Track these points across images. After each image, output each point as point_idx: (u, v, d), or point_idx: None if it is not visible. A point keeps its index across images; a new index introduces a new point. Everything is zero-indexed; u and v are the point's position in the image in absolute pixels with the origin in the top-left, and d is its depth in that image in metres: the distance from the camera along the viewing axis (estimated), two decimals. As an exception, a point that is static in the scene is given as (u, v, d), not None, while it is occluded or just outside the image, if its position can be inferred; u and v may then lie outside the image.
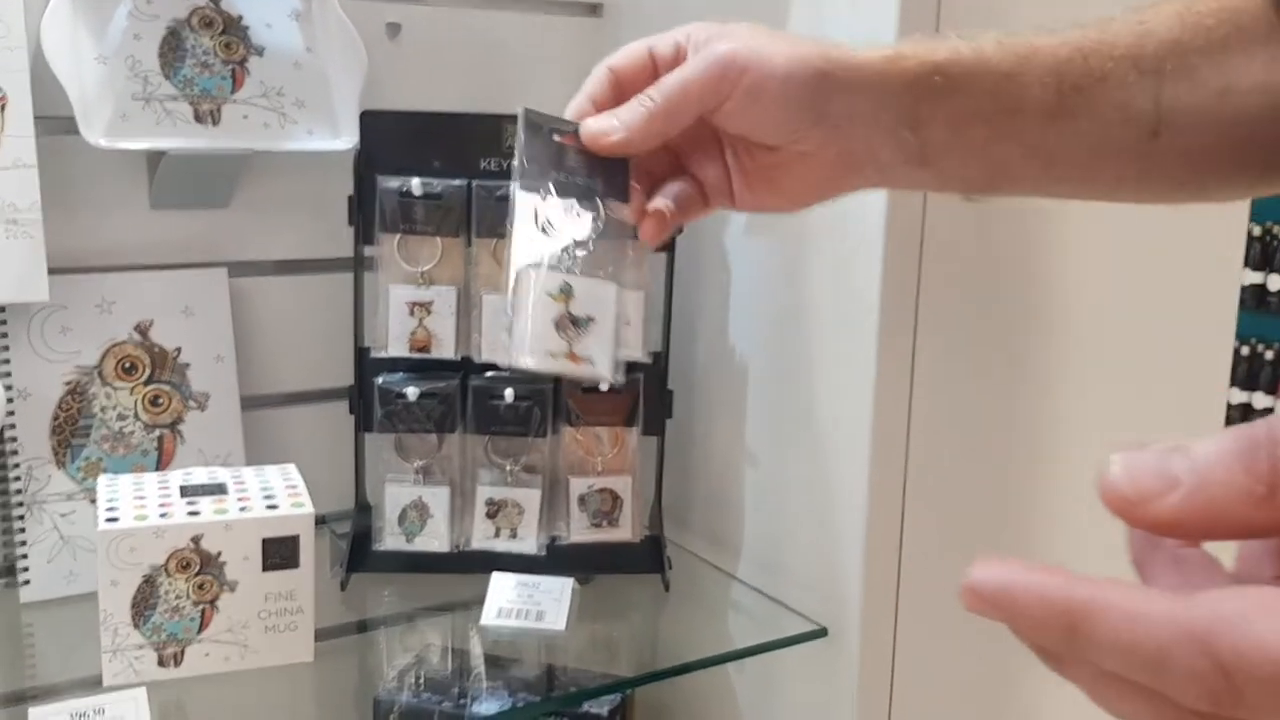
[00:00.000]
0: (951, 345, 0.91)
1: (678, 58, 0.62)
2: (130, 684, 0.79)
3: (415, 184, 0.94)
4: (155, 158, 0.95)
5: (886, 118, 0.58)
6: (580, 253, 0.63)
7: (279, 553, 0.82)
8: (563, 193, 0.63)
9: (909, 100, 0.57)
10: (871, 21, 0.84)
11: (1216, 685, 0.25)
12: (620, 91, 0.63)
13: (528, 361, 0.62)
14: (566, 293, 0.63)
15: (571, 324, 0.63)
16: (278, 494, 0.84)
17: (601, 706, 0.97)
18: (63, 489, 0.94)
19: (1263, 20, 0.56)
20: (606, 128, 0.62)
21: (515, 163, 0.63)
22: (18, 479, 0.92)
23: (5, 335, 0.92)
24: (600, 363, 0.64)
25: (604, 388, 0.96)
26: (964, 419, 0.94)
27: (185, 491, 0.84)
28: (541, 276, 0.62)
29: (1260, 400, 3.18)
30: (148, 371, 0.96)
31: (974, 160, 0.59)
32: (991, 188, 0.61)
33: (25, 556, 0.92)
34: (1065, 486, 1.00)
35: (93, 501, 0.94)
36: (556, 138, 0.63)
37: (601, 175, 0.63)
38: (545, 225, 0.62)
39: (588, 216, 0.63)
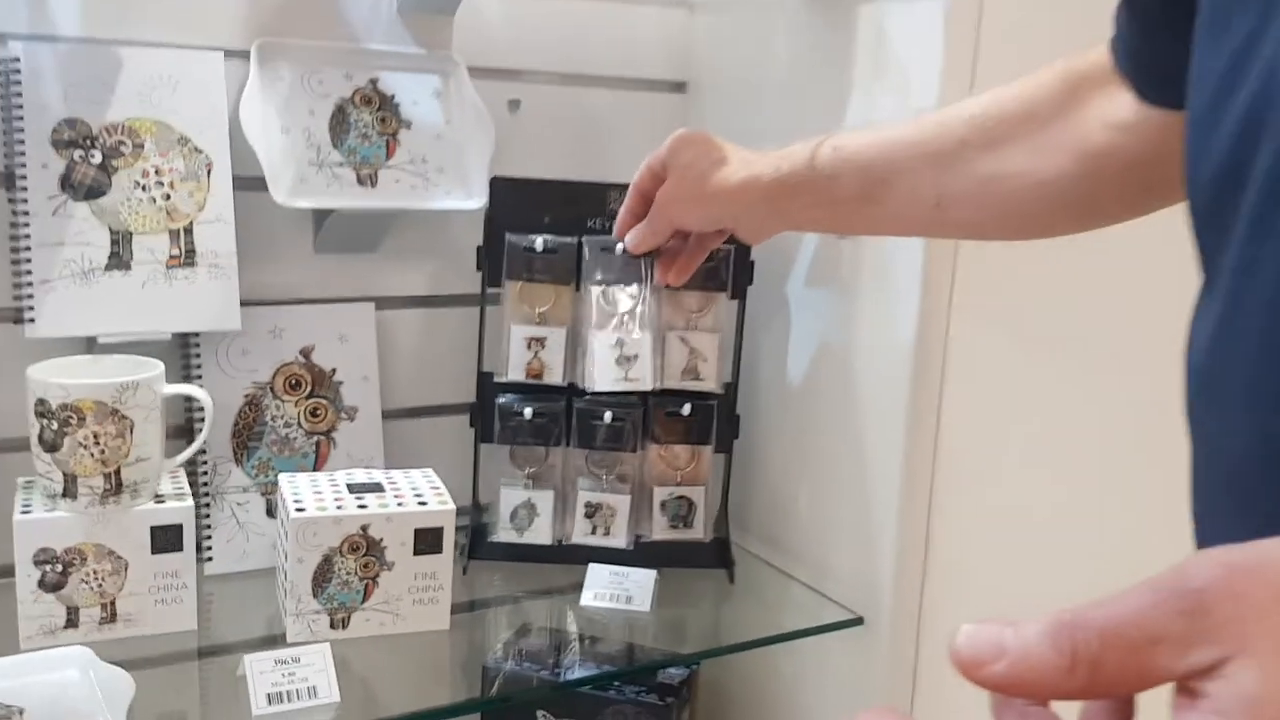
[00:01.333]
0: (977, 382, 1.10)
1: (663, 176, 0.97)
2: (308, 641, 0.99)
3: (537, 240, 1.14)
4: (322, 213, 1.15)
5: (765, 209, 0.91)
6: (629, 314, 1.12)
7: (426, 540, 1.02)
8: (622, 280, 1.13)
9: (768, 203, 0.91)
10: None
11: None
12: (646, 200, 1.00)
13: (600, 385, 1.12)
14: (620, 345, 1.12)
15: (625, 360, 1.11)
16: (425, 492, 1.05)
17: (672, 679, 1.17)
18: (240, 483, 1.14)
19: (1051, 104, 0.74)
20: (631, 243, 1.03)
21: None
22: (205, 473, 1.13)
23: (200, 356, 1.12)
24: (644, 381, 1.12)
25: (685, 411, 1.16)
26: (987, 447, 1.13)
27: (352, 489, 1.04)
28: (605, 334, 1.11)
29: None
30: (309, 388, 1.17)
31: (823, 226, 1.03)
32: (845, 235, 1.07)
33: (210, 538, 1.13)
34: (1078, 522, 1.18)
35: (264, 494, 1.14)
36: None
37: (644, 261, 1.10)
38: (610, 301, 1.13)
39: (633, 289, 1.13)
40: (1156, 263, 0.85)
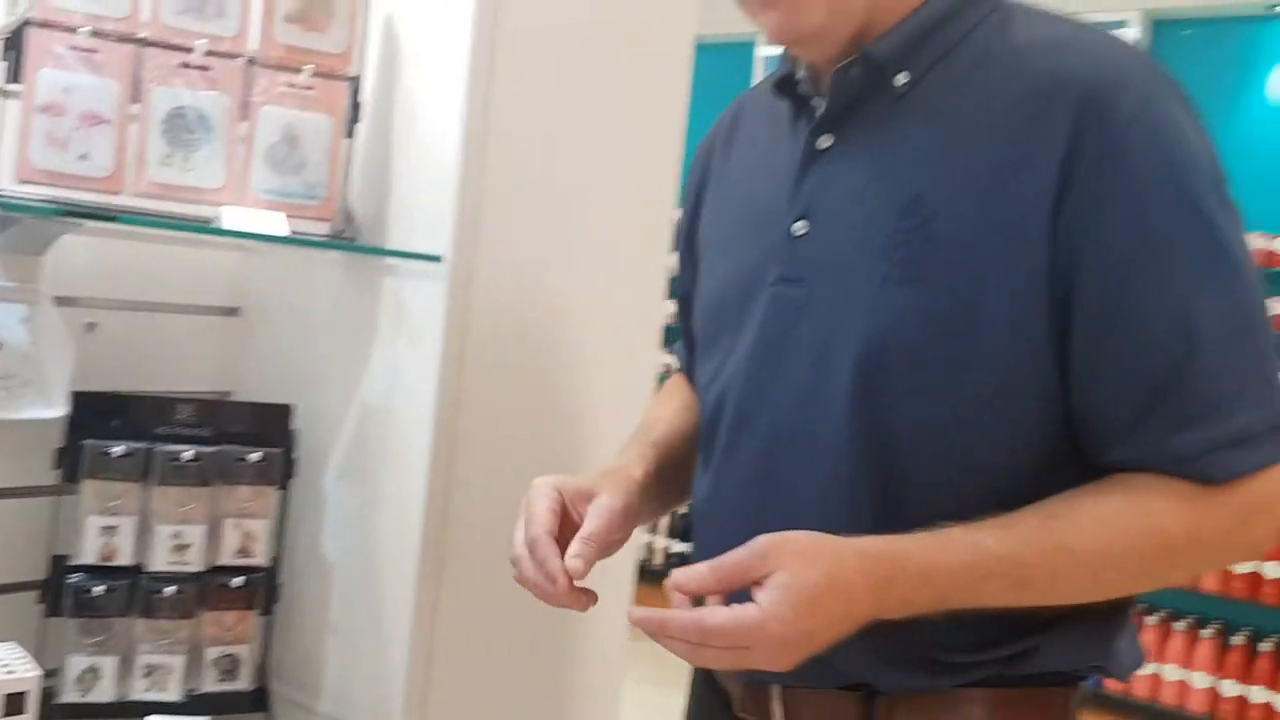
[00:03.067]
0: (476, 551, 1.47)
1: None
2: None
3: (113, 446, 1.38)
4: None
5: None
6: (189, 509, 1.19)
7: (14, 704, 1.22)
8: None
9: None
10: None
11: (740, 644, 0.83)
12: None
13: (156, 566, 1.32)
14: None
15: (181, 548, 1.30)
16: (11, 662, 1.24)
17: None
18: None
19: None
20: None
21: None
22: None
23: None
24: (196, 563, 1.39)
25: (235, 583, 1.44)
26: (482, 604, 1.49)
27: (-58, 663, 1.21)
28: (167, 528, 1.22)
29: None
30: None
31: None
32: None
33: None
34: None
35: None
36: None
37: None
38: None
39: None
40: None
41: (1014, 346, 0.89)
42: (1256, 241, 3.71)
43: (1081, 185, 0.88)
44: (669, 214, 1.65)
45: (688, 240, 1.18)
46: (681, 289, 1.22)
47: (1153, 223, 0.88)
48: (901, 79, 0.96)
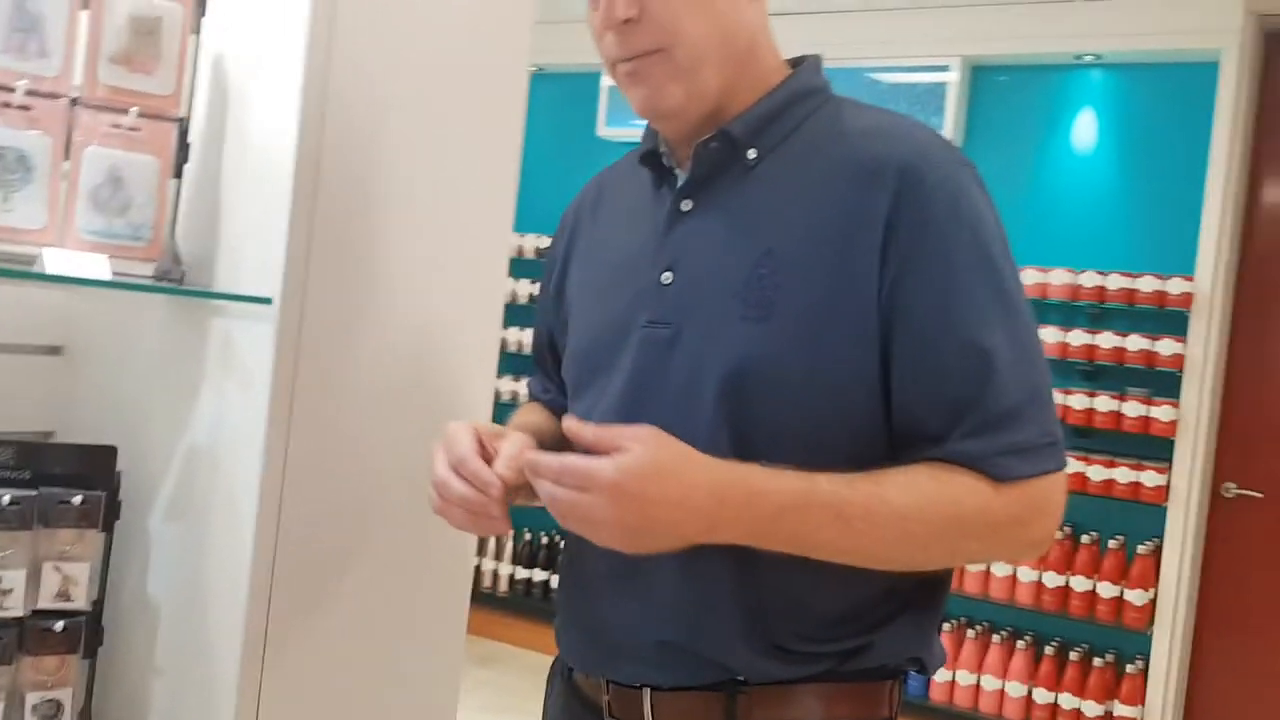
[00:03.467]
0: (305, 598, 1.48)
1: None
2: None
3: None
4: None
5: None
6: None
7: None
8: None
9: None
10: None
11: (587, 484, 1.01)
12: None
13: None
14: None
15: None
16: None
17: None
18: None
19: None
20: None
21: None
22: None
23: None
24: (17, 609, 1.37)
25: (56, 628, 1.42)
26: (314, 635, 1.50)
27: None
28: None
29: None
30: None
31: None
32: None
33: None
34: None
35: None
36: None
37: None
38: None
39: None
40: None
41: (849, 370, 1.11)
42: (1062, 276, 3.95)
43: (900, 241, 1.10)
44: (505, 245, 1.70)
45: (557, 291, 1.37)
46: (545, 327, 1.43)
47: (955, 272, 1.10)
48: (752, 154, 1.18)
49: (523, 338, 4.78)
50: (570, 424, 1.07)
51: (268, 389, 1.39)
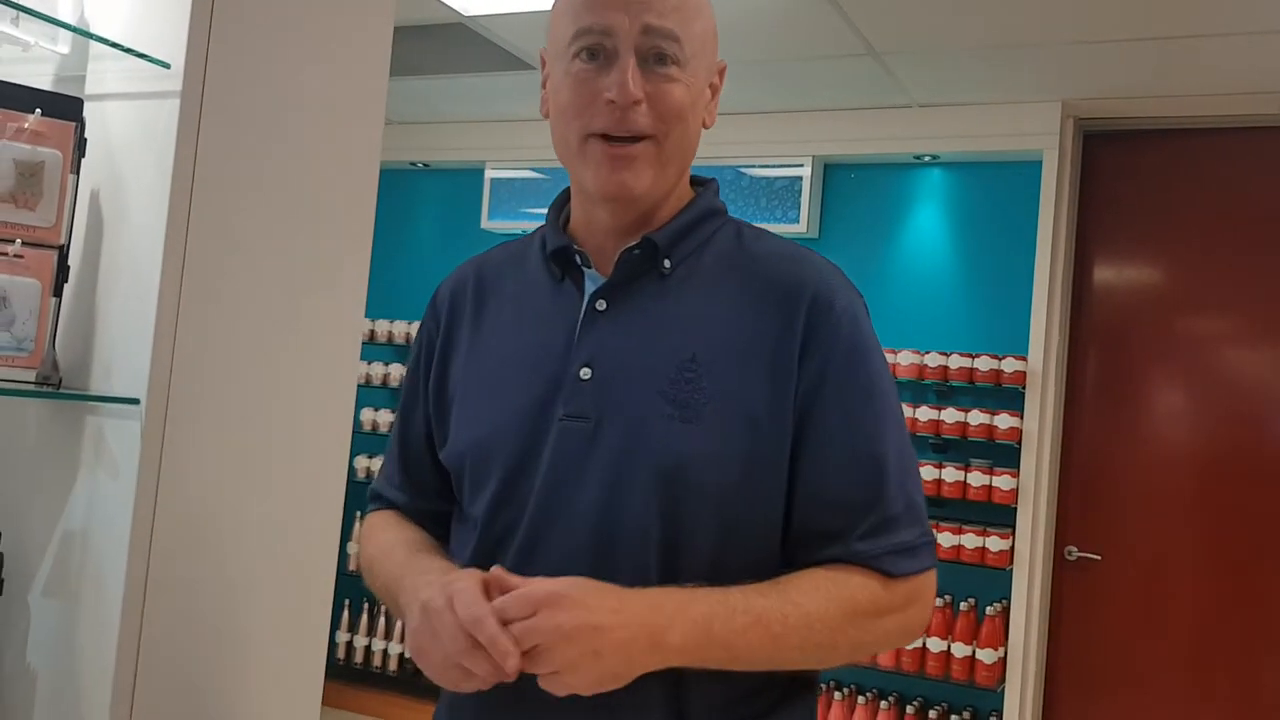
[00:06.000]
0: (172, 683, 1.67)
1: None
2: None
3: None
4: None
5: None
6: None
7: None
8: None
9: None
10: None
11: (540, 604, 1.06)
12: None
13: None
14: None
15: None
16: None
17: None
18: None
19: None
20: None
21: None
22: None
23: None
24: None
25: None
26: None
27: None
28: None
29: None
30: None
31: None
32: None
33: None
34: None
35: None
36: None
37: None
38: None
39: None
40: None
41: (771, 471, 1.20)
42: (909, 358, 4.27)
43: (813, 360, 1.22)
44: (358, 333, 1.94)
45: (438, 381, 1.35)
46: (421, 416, 1.38)
47: (856, 391, 1.23)
48: (667, 263, 1.26)
49: (376, 418, 5.01)
50: (498, 573, 1.12)
51: (134, 479, 1.60)
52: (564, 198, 1.36)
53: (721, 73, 1.33)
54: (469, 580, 1.11)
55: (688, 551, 1.18)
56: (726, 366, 1.21)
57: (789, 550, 1.23)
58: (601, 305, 1.26)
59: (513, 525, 1.23)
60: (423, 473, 1.39)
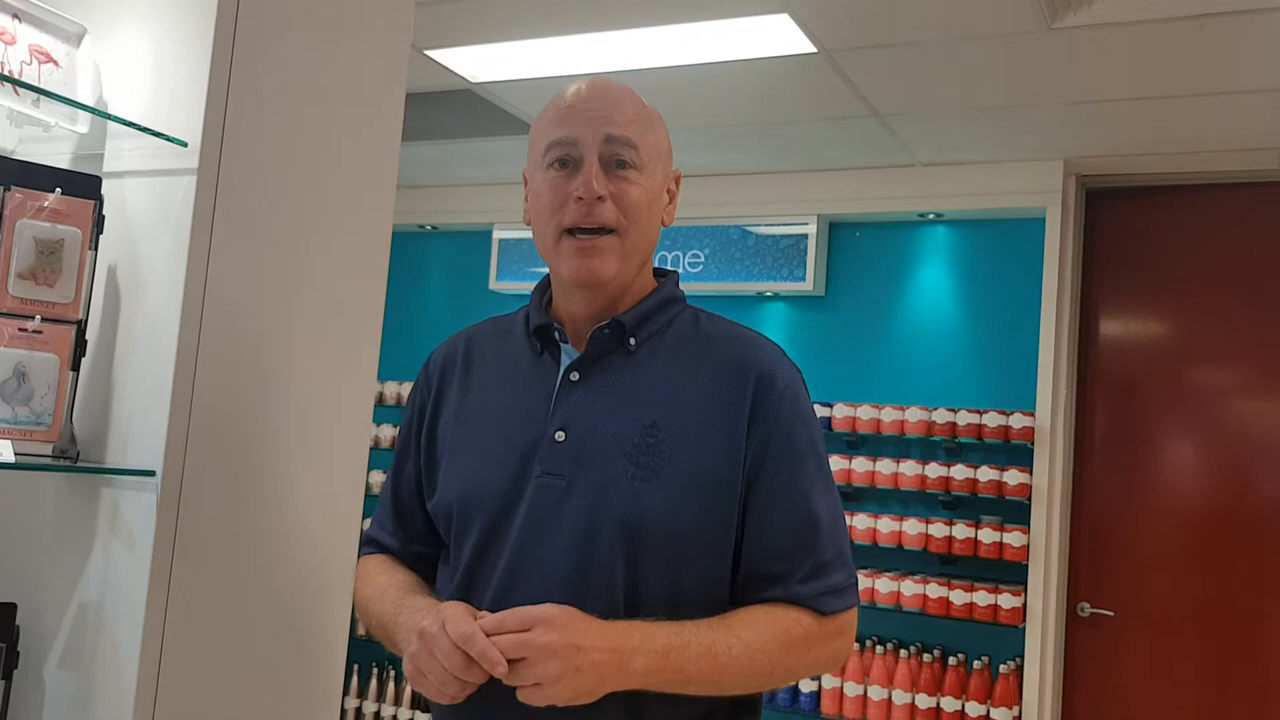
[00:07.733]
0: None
1: None
2: None
3: None
4: None
5: None
6: None
7: None
8: None
9: None
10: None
11: (528, 621, 1.25)
12: None
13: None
14: None
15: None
16: None
17: None
18: None
19: None
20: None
21: None
22: None
23: None
24: None
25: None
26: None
27: None
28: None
29: None
30: None
31: None
32: None
33: None
34: None
35: None
36: None
37: None
38: None
39: None
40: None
41: (721, 524, 1.40)
42: (916, 414, 4.27)
43: (759, 428, 1.42)
44: (369, 404, 1.96)
45: (429, 438, 1.55)
46: (413, 469, 1.57)
47: (795, 456, 1.43)
48: (633, 342, 1.47)
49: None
50: (487, 622, 1.28)
51: (150, 550, 1.61)
52: (546, 282, 1.56)
53: (678, 180, 1.55)
54: (458, 607, 1.32)
55: (647, 591, 1.37)
56: (683, 433, 1.40)
57: (736, 590, 1.42)
58: (575, 376, 1.45)
59: (493, 567, 1.41)
60: (413, 519, 1.58)
